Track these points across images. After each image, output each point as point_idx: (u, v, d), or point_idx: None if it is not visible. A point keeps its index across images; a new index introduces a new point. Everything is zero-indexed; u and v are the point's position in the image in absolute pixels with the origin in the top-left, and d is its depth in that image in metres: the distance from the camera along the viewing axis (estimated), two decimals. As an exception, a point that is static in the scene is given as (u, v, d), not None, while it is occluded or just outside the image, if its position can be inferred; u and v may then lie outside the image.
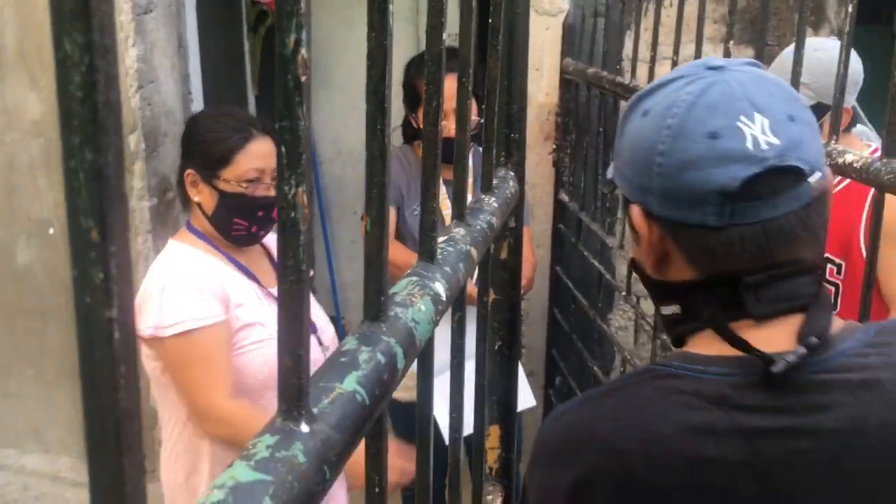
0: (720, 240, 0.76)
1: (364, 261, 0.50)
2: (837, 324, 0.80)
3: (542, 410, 2.94)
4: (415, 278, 0.60)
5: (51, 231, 3.07)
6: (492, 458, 1.06)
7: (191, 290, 1.57)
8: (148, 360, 1.65)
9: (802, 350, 0.73)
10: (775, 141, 0.74)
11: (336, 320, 4.21)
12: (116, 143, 0.24)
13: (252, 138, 1.65)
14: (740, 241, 0.75)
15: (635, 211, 0.81)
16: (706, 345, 0.80)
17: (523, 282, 2.35)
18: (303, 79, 0.35)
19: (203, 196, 1.66)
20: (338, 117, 4.41)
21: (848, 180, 1.27)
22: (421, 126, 2.22)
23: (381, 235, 0.50)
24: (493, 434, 1.05)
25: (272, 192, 1.66)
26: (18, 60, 2.98)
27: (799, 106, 0.78)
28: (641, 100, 0.83)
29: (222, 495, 0.33)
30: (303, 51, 0.35)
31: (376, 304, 0.51)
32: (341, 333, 4.52)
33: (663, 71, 1.93)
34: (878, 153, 1.73)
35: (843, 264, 1.70)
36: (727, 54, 1.52)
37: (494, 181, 0.90)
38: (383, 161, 0.49)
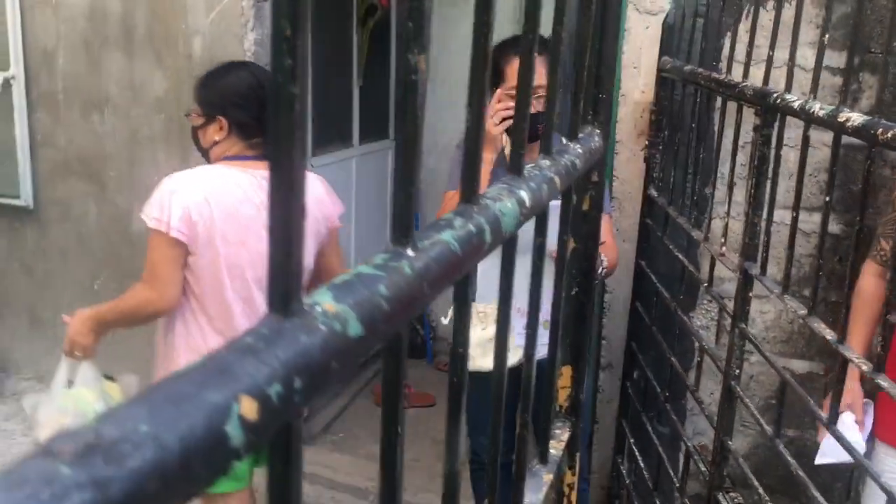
0: None
1: (464, 154, 0.60)
2: None
3: (618, 402, 2.99)
4: (503, 186, 0.69)
5: (165, 201, 3.30)
6: (562, 396, 1.14)
7: None
8: None
9: None
10: None
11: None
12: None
13: None
14: None
15: None
16: None
17: (608, 264, 2.41)
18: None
19: None
20: (437, 112, 4.55)
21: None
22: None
23: (479, 129, 0.60)
24: (566, 374, 1.13)
25: None
26: (146, 41, 3.22)
27: None
28: None
29: (348, 277, 0.43)
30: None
31: (470, 189, 0.60)
32: (427, 327, 4.64)
33: (759, 72, 1.97)
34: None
35: None
36: (820, 59, 1.56)
37: (581, 135, 0.99)
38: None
